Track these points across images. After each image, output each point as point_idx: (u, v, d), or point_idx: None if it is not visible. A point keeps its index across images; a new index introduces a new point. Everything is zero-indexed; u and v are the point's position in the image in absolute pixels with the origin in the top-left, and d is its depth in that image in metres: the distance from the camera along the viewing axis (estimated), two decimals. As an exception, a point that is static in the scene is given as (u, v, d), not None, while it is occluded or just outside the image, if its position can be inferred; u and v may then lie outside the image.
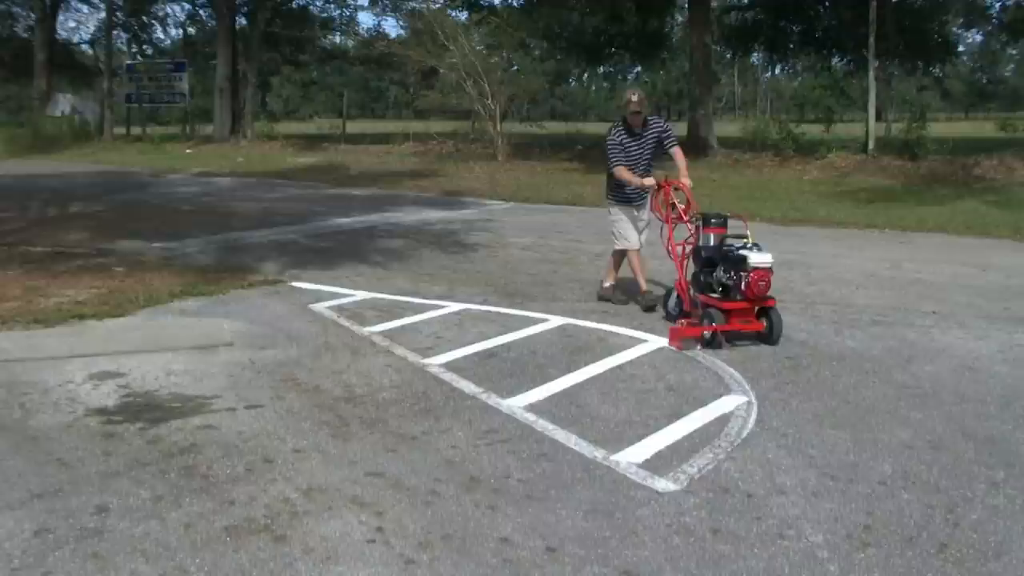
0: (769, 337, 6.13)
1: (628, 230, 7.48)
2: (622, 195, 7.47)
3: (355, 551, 3.33)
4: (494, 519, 3.59)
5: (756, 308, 6.17)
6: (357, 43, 44.09)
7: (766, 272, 6.06)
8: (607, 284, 7.70)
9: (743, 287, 6.06)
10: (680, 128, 28.03)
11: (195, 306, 7.35)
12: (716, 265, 6.40)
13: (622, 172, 7.24)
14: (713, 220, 6.63)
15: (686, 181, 7.00)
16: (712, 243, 6.54)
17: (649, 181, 7.13)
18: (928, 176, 18.35)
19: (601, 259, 9.94)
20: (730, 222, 6.71)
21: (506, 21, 25.94)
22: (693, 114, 26.72)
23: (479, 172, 21.73)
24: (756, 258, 6.07)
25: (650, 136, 7.34)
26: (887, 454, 4.30)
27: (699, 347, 6.05)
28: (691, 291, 6.63)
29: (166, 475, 3.98)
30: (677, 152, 7.37)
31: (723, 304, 6.17)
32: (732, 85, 73.99)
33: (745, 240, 6.32)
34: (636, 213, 7.50)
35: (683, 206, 6.86)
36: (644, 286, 7.37)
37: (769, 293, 6.14)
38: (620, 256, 7.64)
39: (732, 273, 6.21)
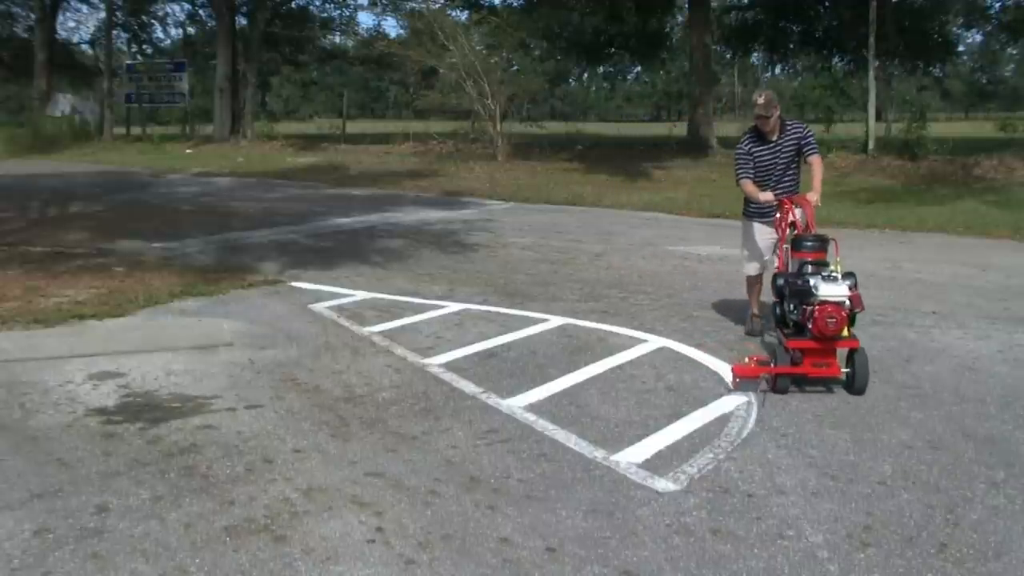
0: (851, 386, 5.17)
1: (752, 250, 6.63)
2: (752, 209, 6.57)
3: (355, 551, 3.33)
4: (494, 519, 3.59)
5: (836, 349, 5.22)
6: (357, 43, 44.07)
7: (836, 308, 5.08)
8: (752, 312, 6.76)
9: (809, 324, 5.16)
10: (680, 128, 28.27)
11: (195, 306, 7.35)
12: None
13: (745, 185, 6.37)
14: (808, 243, 5.65)
15: (811, 197, 6.04)
16: (797, 270, 5.61)
17: (766, 196, 6.25)
18: (928, 176, 18.35)
19: (601, 259, 9.96)
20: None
21: (506, 21, 25.92)
22: (693, 114, 26.75)
23: (479, 172, 21.72)
24: (825, 290, 5.14)
25: (787, 143, 6.33)
26: (887, 454, 4.30)
27: (761, 390, 5.16)
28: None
29: (166, 475, 3.98)
30: (814, 161, 6.31)
31: (790, 343, 5.29)
32: (732, 85, 73.90)
33: (831, 268, 5.35)
34: (772, 230, 6.48)
35: (804, 225, 5.92)
36: (755, 310, 6.70)
37: (846, 333, 5.18)
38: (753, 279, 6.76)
39: (793, 306, 5.38)
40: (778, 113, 6.26)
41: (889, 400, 5.09)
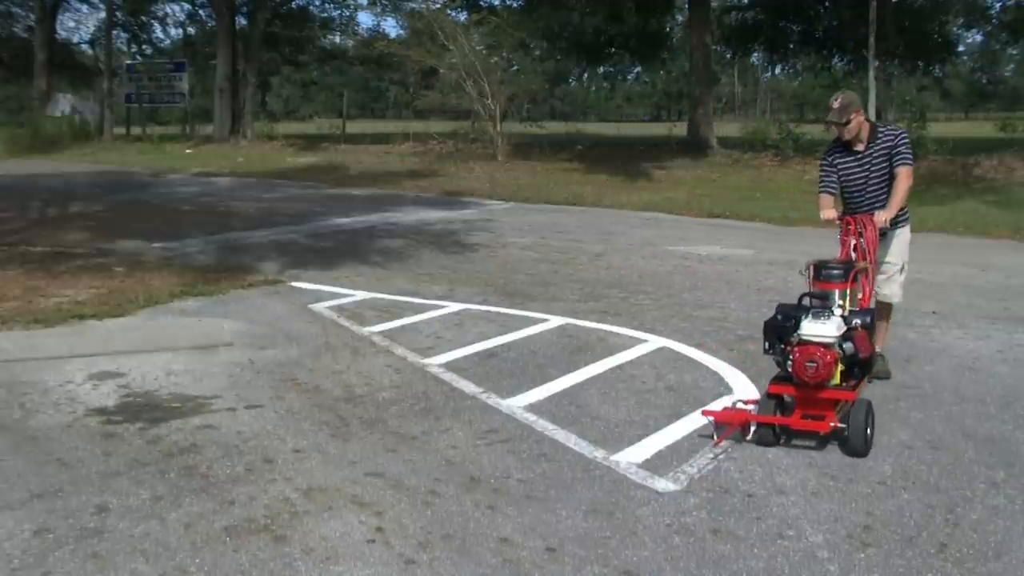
0: (844, 444, 4.30)
1: None
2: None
3: (355, 551, 3.33)
4: (494, 519, 3.59)
5: (837, 401, 4.41)
6: (357, 43, 44.07)
7: (823, 351, 4.30)
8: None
9: (789, 367, 4.43)
10: (680, 128, 28.28)
11: (195, 306, 7.35)
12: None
13: (819, 200, 5.52)
14: (829, 271, 4.75)
15: (878, 216, 5.22)
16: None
17: (826, 214, 5.43)
18: (928, 176, 18.31)
19: (601, 259, 9.96)
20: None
21: (506, 21, 25.93)
22: (693, 114, 26.76)
23: (479, 172, 21.73)
24: (807, 328, 4.38)
25: (877, 154, 5.36)
26: (887, 454, 4.30)
27: (747, 438, 4.37)
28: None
29: (166, 475, 3.98)
30: (900, 174, 5.29)
31: (771, 387, 4.52)
32: (732, 85, 73.96)
33: (840, 302, 4.65)
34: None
35: (873, 246, 5.19)
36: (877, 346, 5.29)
37: (836, 380, 4.41)
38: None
39: (769, 344, 4.59)
40: (861, 118, 5.35)
41: (889, 400, 5.08)
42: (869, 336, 4.60)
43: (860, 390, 4.56)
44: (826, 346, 4.34)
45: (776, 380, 4.55)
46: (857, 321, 4.58)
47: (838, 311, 4.56)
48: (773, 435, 4.33)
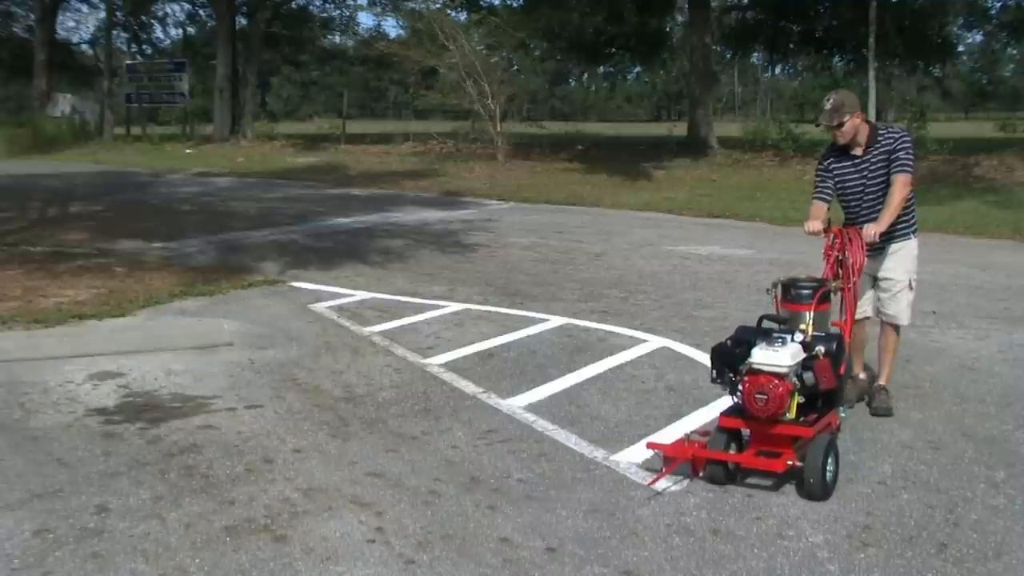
0: (800, 486, 3.85)
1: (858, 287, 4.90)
2: None
3: (355, 551, 3.33)
4: (494, 519, 3.60)
5: (797, 437, 3.94)
6: (357, 43, 44.08)
7: (776, 381, 3.84)
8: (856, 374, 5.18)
9: (737, 399, 4.04)
10: (680, 128, 28.29)
11: (195, 306, 7.35)
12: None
13: (811, 209, 5.00)
14: (796, 290, 4.31)
15: (867, 231, 4.70)
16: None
17: (813, 225, 4.88)
18: (928, 176, 18.33)
19: (601, 259, 9.96)
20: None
21: (506, 21, 25.92)
22: (693, 114, 26.76)
23: (479, 172, 21.73)
24: (758, 356, 3.93)
25: (876, 158, 4.87)
26: (887, 454, 4.30)
27: (700, 474, 3.97)
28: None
29: (166, 475, 3.98)
30: (896, 182, 4.79)
31: (722, 420, 4.06)
32: (732, 85, 73.97)
33: (802, 326, 4.17)
34: (870, 265, 4.97)
35: (856, 264, 4.69)
36: (857, 369, 5.15)
37: (792, 415, 3.93)
38: (857, 327, 5.03)
39: (716, 373, 4.16)
40: (859, 120, 4.86)
41: (889, 400, 5.08)
42: (834, 364, 4.06)
43: (827, 425, 4.07)
44: (779, 376, 3.86)
45: (727, 412, 4.09)
46: (820, 348, 4.04)
47: (799, 336, 4.07)
48: (725, 473, 3.91)
